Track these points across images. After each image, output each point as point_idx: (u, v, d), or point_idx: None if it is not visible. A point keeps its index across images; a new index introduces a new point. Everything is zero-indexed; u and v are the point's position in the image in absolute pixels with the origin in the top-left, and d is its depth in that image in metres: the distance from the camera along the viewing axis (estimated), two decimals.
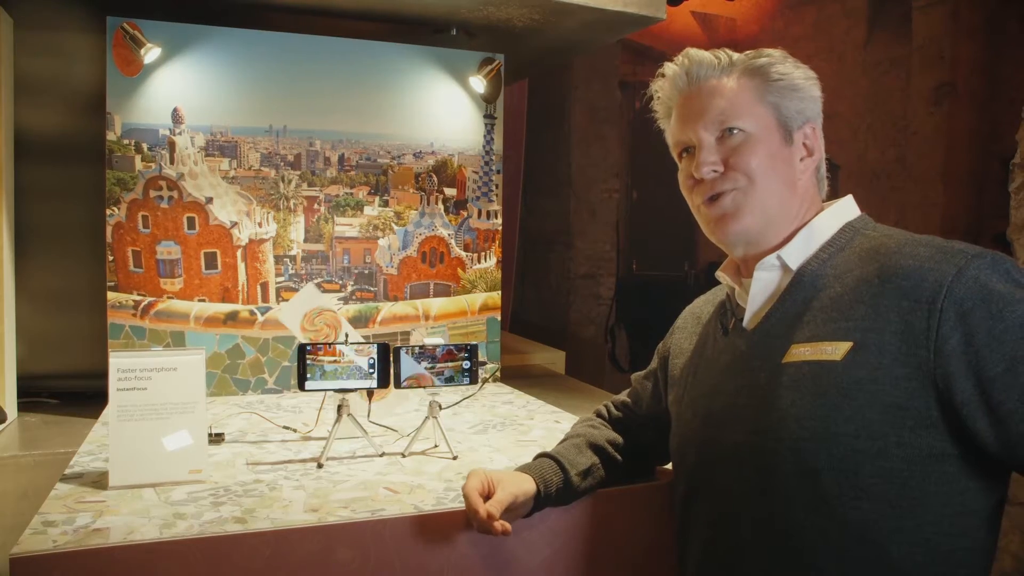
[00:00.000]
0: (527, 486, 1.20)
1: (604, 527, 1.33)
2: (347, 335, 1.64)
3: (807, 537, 0.96)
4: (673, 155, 1.19)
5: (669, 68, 1.15)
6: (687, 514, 1.15)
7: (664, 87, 1.17)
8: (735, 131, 1.08)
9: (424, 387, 1.53)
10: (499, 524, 1.11)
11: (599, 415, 1.44)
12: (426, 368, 1.52)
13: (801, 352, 1.00)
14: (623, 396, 1.45)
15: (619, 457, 1.34)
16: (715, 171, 1.08)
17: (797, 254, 1.08)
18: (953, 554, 0.93)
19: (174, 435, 1.37)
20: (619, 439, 1.36)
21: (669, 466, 1.41)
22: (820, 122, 1.13)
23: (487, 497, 1.15)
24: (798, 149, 1.10)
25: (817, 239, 1.08)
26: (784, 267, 1.09)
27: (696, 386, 1.18)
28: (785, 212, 1.09)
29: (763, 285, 1.10)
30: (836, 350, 0.97)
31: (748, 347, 1.09)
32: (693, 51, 1.13)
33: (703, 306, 1.31)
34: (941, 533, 0.93)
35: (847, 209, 1.12)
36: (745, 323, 1.12)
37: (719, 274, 1.19)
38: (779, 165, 1.08)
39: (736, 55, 1.12)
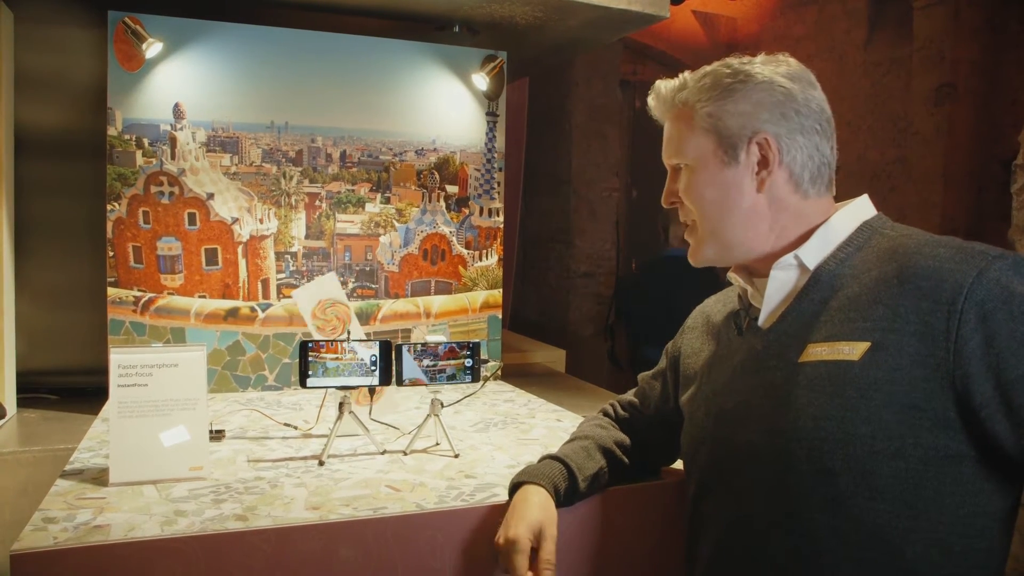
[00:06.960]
0: (551, 508, 1.19)
1: (609, 526, 1.33)
2: (348, 332, 1.64)
3: (822, 537, 0.96)
4: None
5: (650, 99, 1.18)
6: (698, 513, 1.14)
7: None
8: (680, 167, 1.14)
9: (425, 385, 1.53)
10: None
11: (606, 415, 1.43)
12: (428, 366, 1.52)
13: (818, 352, 1.00)
14: (630, 396, 1.44)
15: (626, 459, 1.33)
16: (673, 202, 1.15)
17: (814, 253, 1.07)
18: (968, 555, 0.93)
19: (171, 431, 1.36)
20: (626, 440, 1.35)
21: (675, 465, 1.41)
22: (787, 127, 1.06)
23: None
24: (748, 166, 1.08)
25: (834, 239, 1.07)
26: (801, 266, 1.07)
27: (709, 385, 1.17)
28: (747, 231, 1.09)
29: (779, 284, 1.09)
30: (854, 350, 0.96)
31: (764, 346, 1.08)
32: (659, 84, 1.16)
33: (714, 305, 1.30)
34: (956, 534, 0.92)
35: (863, 208, 1.11)
36: (760, 322, 1.11)
37: (731, 275, 1.18)
38: (719, 191, 1.09)
39: (691, 82, 1.11)
